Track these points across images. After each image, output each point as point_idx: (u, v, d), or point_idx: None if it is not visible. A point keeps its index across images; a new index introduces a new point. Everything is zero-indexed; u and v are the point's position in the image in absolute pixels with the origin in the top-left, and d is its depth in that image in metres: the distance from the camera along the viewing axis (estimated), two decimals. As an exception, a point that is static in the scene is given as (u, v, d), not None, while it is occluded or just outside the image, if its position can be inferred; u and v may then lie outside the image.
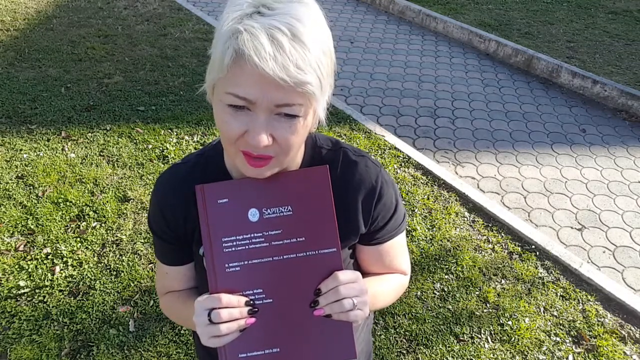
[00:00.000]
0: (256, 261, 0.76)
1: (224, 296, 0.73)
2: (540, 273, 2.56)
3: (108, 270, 2.42)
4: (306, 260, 0.76)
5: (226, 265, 0.76)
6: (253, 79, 0.63)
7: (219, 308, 0.72)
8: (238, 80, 0.64)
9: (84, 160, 3.14)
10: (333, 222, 0.76)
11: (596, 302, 2.42)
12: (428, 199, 3.01)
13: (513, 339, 2.22)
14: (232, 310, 0.73)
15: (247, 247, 0.76)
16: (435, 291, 2.42)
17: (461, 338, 2.21)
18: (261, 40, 0.61)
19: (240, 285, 0.76)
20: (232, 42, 0.63)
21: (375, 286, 0.91)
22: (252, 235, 0.76)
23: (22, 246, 2.51)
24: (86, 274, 2.38)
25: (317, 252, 0.76)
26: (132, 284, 2.35)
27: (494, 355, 2.15)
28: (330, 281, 0.75)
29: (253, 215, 0.76)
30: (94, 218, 2.70)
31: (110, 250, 2.52)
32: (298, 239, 0.76)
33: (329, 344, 0.77)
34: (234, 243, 0.76)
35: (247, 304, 0.75)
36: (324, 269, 0.76)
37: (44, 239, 2.54)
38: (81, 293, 2.30)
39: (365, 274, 0.97)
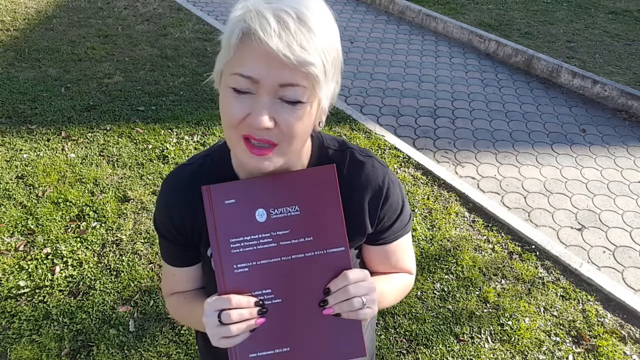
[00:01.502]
0: (265, 262, 0.75)
1: (234, 297, 0.73)
2: (540, 273, 2.56)
3: (108, 270, 2.42)
4: (315, 260, 0.76)
5: (234, 266, 0.75)
6: (258, 57, 0.64)
7: (229, 309, 0.72)
8: (244, 59, 0.65)
9: (84, 160, 3.14)
10: (341, 221, 0.76)
11: (596, 302, 2.42)
12: (428, 199, 3.01)
13: (513, 339, 2.22)
14: (242, 311, 0.73)
15: (255, 247, 0.75)
16: (435, 291, 2.42)
17: (461, 338, 2.21)
18: (267, 17, 0.63)
19: (249, 286, 0.76)
20: (239, 23, 0.65)
21: (382, 285, 0.91)
22: (260, 235, 0.75)
23: (22, 246, 2.51)
24: (86, 274, 2.38)
25: (325, 251, 0.76)
26: (132, 284, 2.35)
27: (494, 355, 2.15)
28: (339, 280, 0.75)
29: (260, 215, 0.75)
30: (94, 218, 2.70)
31: (110, 250, 2.52)
32: (306, 239, 0.75)
33: (339, 343, 0.78)
34: (242, 244, 0.75)
35: (256, 304, 0.75)
36: (332, 268, 0.76)
37: (44, 239, 2.54)
38: (81, 293, 2.30)
39: (371, 274, 0.98)
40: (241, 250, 0.75)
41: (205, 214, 0.76)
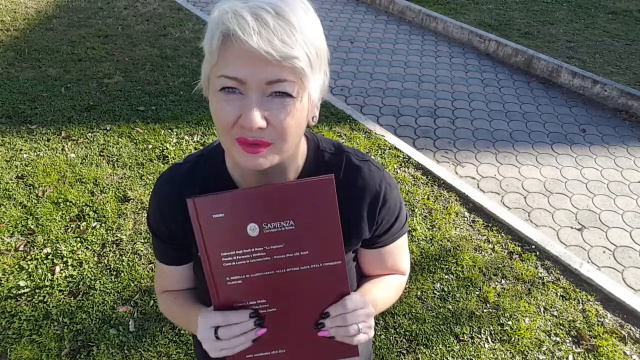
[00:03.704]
0: (258, 274, 0.73)
1: (229, 314, 0.73)
2: (540, 273, 2.56)
3: (108, 270, 2.42)
4: (310, 273, 0.74)
5: (227, 278, 0.73)
6: (241, 57, 0.63)
7: (225, 326, 0.73)
8: (227, 61, 0.65)
9: (84, 160, 3.14)
10: (339, 235, 0.73)
11: (596, 302, 2.42)
12: (428, 199, 3.01)
13: (513, 339, 2.22)
14: (238, 327, 0.74)
15: (248, 261, 0.72)
16: (435, 291, 2.42)
17: (461, 338, 2.21)
18: (245, 17, 0.62)
19: (242, 297, 0.74)
20: (218, 26, 0.65)
21: (377, 293, 0.91)
22: (253, 249, 0.72)
23: (22, 246, 2.50)
24: (86, 274, 2.38)
25: (321, 265, 0.74)
26: (132, 284, 2.35)
27: (494, 355, 2.15)
28: (339, 307, 0.76)
29: (252, 230, 0.71)
30: (94, 218, 2.70)
31: (110, 250, 2.52)
32: (302, 253, 0.73)
33: (333, 344, 0.78)
34: (234, 257, 0.72)
35: (251, 315, 0.75)
36: (328, 280, 0.75)
37: (44, 239, 2.54)
38: (81, 293, 2.30)
39: (366, 277, 0.98)
40: (233, 263, 0.72)
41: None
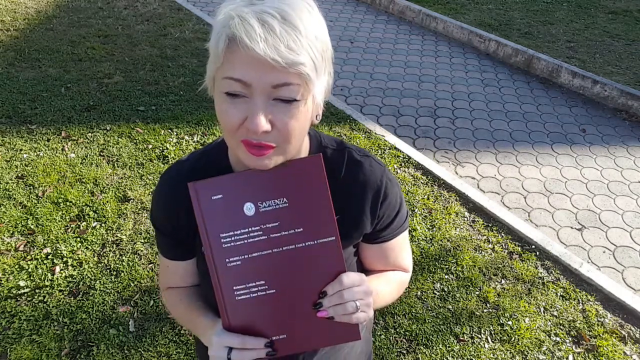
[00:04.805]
0: (256, 254, 0.76)
1: (244, 338, 0.76)
2: (540, 273, 2.56)
3: (108, 270, 2.42)
4: (306, 250, 0.77)
5: (227, 260, 0.76)
6: (247, 62, 0.64)
7: (239, 349, 0.75)
8: (233, 64, 0.65)
9: (84, 160, 3.14)
10: (330, 211, 0.76)
11: (596, 302, 2.42)
12: (428, 199, 3.01)
13: (513, 339, 2.22)
14: (251, 352, 0.76)
15: (245, 241, 0.76)
16: (435, 291, 2.42)
17: (461, 338, 2.21)
18: (251, 23, 0.62)
19: (242, 279, 0.77)
20: (224, 29, 0.65)
21: (378, 286, 0.91)
22: (250, 229, 0.76)
23: (22, 246, 2.51)
24: (86, 274, 2.38)
25: (315, 241, 0.76)
26: (132, 284, 2.35)
27: (494, 355, 2.15)
28: (335, 284, 0.76)
29: (249, 209, 0.76)
30: (94, 218, 2.70)
31: (110, 250, 2.52)
32: (296, 230, 0.76)
33: (334, 327, 0.79)
34: (233, 238, 0.76)
35: (266, 345, 0.77)
36: (324, 257, 0.77)
37: (44, 239, 2.54)
38: (81, 293, 2.30)
39: (368, 272, 0.98)
40: (232, 244, 0.76)
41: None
